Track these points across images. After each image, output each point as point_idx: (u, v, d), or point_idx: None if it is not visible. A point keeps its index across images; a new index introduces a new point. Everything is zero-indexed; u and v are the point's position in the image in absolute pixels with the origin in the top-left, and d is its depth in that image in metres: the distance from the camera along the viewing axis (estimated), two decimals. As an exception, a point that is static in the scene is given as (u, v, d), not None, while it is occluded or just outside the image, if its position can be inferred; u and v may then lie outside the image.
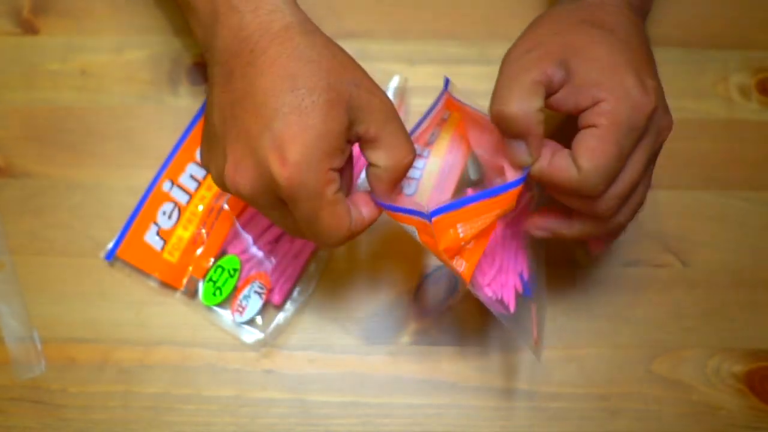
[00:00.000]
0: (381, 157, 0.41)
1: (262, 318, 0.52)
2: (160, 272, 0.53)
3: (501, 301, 0.46)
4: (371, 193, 0.43)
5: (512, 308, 0.46)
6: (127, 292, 0.53)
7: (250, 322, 0.52)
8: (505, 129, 0.42)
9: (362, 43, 0.58)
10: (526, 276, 0.48)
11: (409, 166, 0.42)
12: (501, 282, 0.47)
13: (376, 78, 0.43)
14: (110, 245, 0.53)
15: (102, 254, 0.53)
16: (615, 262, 0.54)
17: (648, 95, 0.41)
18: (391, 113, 0.42)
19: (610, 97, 0.40)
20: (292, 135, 0.39)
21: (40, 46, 0.57)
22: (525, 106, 0.41)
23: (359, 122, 0.41)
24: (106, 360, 0.51)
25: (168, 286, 0.53)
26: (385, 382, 0.52)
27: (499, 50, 0.43)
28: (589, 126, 0.41)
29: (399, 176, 0.42)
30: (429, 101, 0.48)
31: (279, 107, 0.39)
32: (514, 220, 0.48)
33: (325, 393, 0.51)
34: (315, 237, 0.41)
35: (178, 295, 0.53)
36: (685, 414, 0.51)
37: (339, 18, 0.58)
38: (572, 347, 0.53)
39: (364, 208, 0.43)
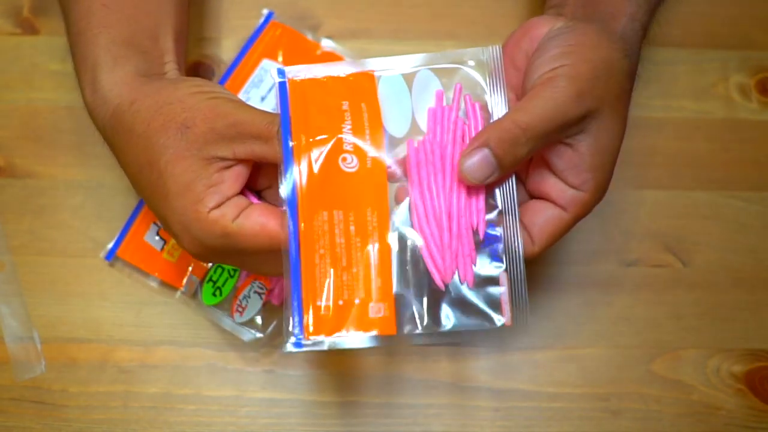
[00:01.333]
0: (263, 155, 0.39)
1: (262, 318, 0.52)
2: (160, 272, 0.53)
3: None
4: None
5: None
6: (127, 292, 0.53)
7: (250, 322, 0.52)
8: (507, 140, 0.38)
9: (362, 43, 0.58)
10: (481, 232, 0.38)
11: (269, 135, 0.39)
12: (457, 251, 0.38)
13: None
14: (110, 245, 0.53)
15: (102, 254, 0.53)
16: (615, 262, 0.54)
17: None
18: (238, 132, 0.39)
19: (591, 191, 0.40)
20: (168, 216, 0.40)
21: (40, 46, 0.57)
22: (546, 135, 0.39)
23: (216, 151, 0.39)
24: (106, 360, 0.51)
25: (168, 286, 0.53)
26: (385, 382, 0.52)
27: (499, 50, 0.42)
28: (555, 203, 0.40)
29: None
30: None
31: (145, 196, 0.41)
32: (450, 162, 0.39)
33: (325, 393, 0.51)
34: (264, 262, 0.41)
35: (178, 295, 0.52)
36: (685, 414, 0.51)
37: (339, 18, 0.58)
38: (572, 347, 0.53)
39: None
